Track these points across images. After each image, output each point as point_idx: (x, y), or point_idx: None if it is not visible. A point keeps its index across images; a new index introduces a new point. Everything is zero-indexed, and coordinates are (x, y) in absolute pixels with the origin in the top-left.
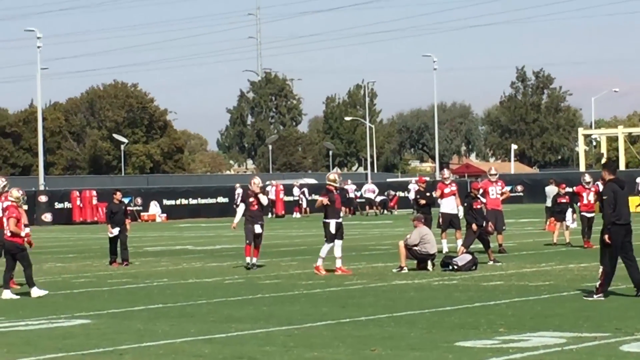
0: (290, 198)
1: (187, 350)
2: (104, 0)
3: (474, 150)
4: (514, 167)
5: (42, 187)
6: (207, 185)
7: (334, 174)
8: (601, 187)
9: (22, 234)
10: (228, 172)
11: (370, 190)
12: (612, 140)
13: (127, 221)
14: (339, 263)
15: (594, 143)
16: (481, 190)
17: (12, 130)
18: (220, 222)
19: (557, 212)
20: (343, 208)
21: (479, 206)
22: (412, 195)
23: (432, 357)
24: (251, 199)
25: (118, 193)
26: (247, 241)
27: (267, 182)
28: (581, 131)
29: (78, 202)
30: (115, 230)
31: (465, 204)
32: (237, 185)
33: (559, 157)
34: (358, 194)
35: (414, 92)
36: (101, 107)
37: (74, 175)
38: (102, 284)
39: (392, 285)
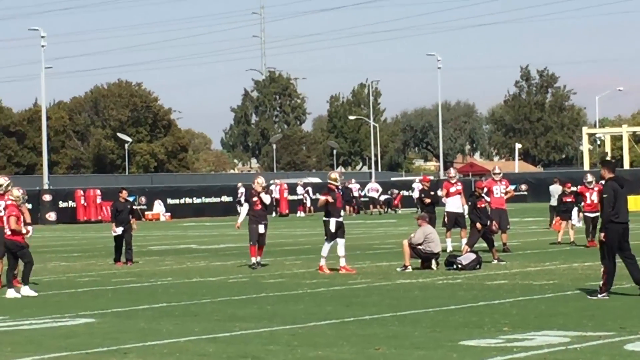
0: (294, 197)
1: (191, 349)
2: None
3: (478, 149)
4: (518, 166)
5: (46, 186)
6: (211, 184)
7: (335, 173)
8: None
9: (24, 231)
10: (232, 171)
11: (373, 189)
12: (617, 139)
13: (133, 220)
14: (342, 262)
15: (598, 142)
16: (485, 189)
17: (16, 129)
18: (225, 221)
19: (562, 211)
20: (347, 207)
21: (483, 205)
22: (416, 195)
23: (436, 356)
24: (254, 199)
25: (124, 191)
26: (251, 242)
27: (271, 181)
28: (585, 130)
29: (82, 201)
30: (119, 230)
31: (470, 203)
32: (240, 184)
33: (563, 156)
34: (362, 193)
35: (418, 91)
36: (105, 106)
37: (78, 175)
38: (106, 283)
39: (396, 284)
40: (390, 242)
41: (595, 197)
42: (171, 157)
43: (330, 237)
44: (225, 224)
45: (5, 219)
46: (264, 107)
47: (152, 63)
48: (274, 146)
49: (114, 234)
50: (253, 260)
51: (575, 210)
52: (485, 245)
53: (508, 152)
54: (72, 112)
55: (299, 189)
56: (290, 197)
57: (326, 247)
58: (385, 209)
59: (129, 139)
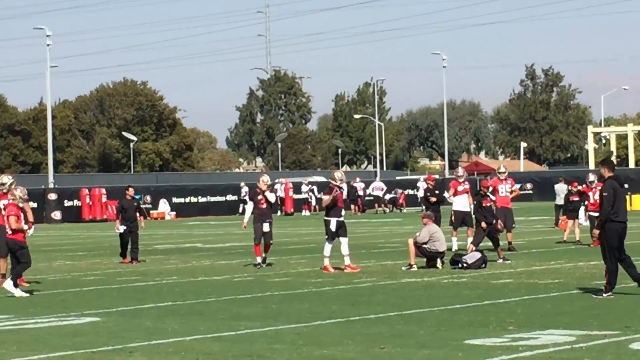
0: (300, 196)
1: (197, 348)
2: None
3: (483, 148)
4: (523, 165)
5: (51, 185)
6: (216, 183)
7: (337, 173)
8: None
9: (25, 227)
10: (237, 170)
11: (378, 188)
12: (622, 138)
13: (140, 218)
14: (347, 260)
15: (604, 141)
16: (490, 188)
17: (21, 128)
18: (230, 219)
19: (569, 210)
20: (352, 206)
21: (488, 204)
22: (421, 193)
23: (441, 355)
24: (259, 197)
25: (131, 189)
26: (256, 241)
27: (276, 180)
28: (590, 129)
29: (87, 200)
30: (122, 228)
31: (475, 202)
32: (242, 183)
33: (569, 155)
34: (367, 191)
35: (423, 90)
36: (110, 105)
37: (84, 173)
38: (111, 281)
39: (402, 283)
40: (395, 240)
41: (598, 197)
42: (176, 156)
43: (331, 236)
44: (231, 222)
45: (5, 218)
46: (269, 106)
47: (156, 62)
48: (279, 145)
49: (118, 231)
50: (258, 259)
51: (582, 209)
52: (490, 244)
53: (513, 151)
54: (77, 111)
55: (303, 188)
56: (296, 196)
57: (328, 247)
58: (391, 208)
59: (134, 138)
